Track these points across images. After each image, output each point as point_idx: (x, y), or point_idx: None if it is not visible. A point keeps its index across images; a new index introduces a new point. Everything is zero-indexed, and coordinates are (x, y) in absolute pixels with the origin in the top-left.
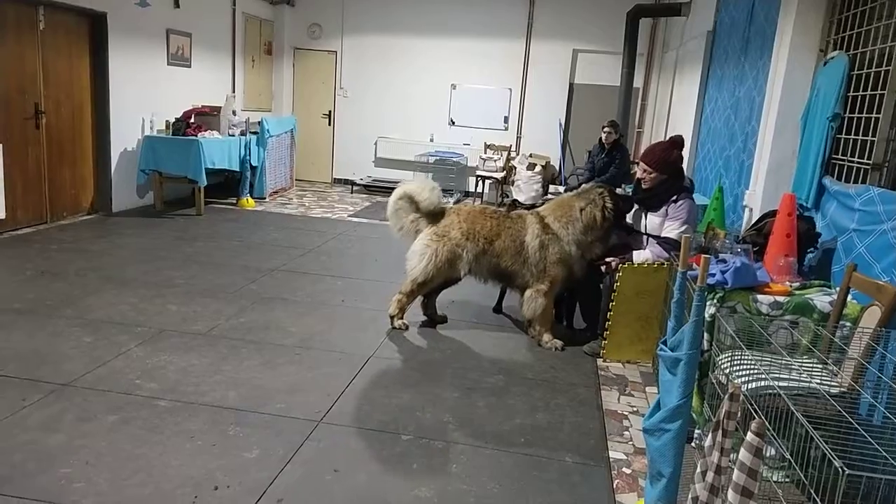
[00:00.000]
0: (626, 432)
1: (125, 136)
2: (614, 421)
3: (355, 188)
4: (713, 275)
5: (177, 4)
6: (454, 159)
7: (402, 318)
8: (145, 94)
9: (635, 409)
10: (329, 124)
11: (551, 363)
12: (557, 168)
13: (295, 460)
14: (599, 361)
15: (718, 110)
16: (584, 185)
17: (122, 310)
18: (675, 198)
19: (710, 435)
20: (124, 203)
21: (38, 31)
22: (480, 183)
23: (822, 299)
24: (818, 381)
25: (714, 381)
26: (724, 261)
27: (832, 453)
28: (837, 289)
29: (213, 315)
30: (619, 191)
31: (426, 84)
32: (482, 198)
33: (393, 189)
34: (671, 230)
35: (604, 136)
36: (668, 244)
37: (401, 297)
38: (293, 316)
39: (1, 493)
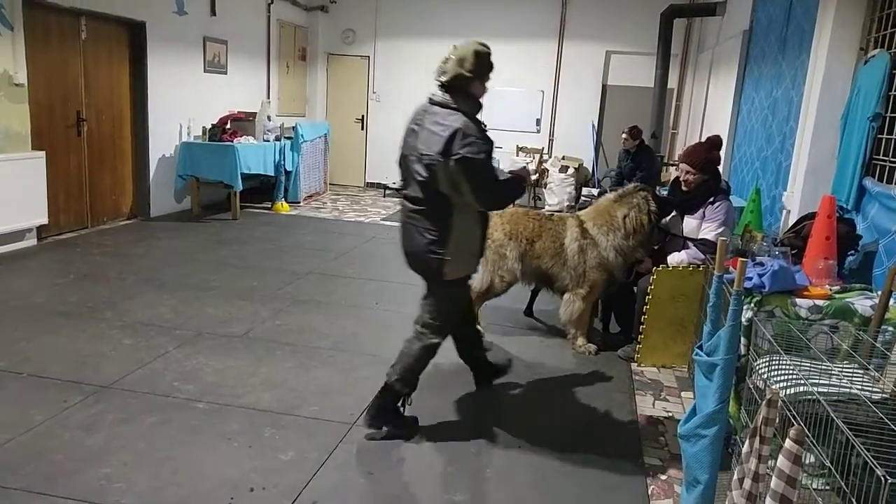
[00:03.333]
0: (662, 438)
1: (163, 142)
2: (649, 426)
3: (388, 192)
4: (750, 278)
5: (213, 12)
6: None
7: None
8: (183, 101)
9: (671, 414)
10: (362, 129)
11: (585, 367)
12: (590, 170)
13: (329, 463)
14: (634, 366)
15: (755, 110)
16: (627, 187)
17: (160, 312)
18: (712, 199)
19: (747, 441)
20: (162, 208)
21: (81, 40)
22: None
23: (863, 303)
24: (859, 386)
25: (751, 386)
26: (761, 264)
27: (874, 461)
28: (879, 292)
29: (249, 318)
30: None
31: None
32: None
33: None
34: (708, 231)
35: (622, 142)
36: (705, 245)
37: None
38: (327, 319)
39: (44, 493)
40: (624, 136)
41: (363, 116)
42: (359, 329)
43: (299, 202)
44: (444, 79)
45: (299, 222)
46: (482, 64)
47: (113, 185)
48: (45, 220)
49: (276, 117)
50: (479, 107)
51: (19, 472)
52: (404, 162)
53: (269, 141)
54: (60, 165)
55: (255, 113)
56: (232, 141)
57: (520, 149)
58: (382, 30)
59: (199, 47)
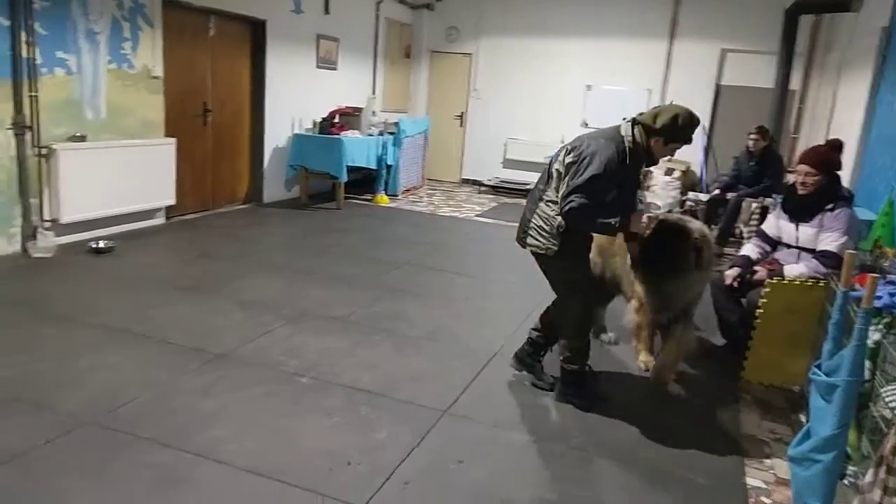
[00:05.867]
0: (768, 460)
1: (277, 133)
2: (754, 447)
3: (482, 189)
4: (880, 297)
5: (327, 11)
6: None
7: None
8: (296, 95)
9: (778, 436)
10: (461, 125)
11: (687, 380)
12: (698, 174)
13: (421, 446)
14: (740, 383)
15: (893, 115)
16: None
17: (269, 292)
18: (830, 206)
19: (870, 471)
20: (274, 195)
21: (209, 36)
22: None
23: None
24: None
25: (877, 414)
26: (892, 282)
27: None
28: None
29: (348, 302)
30: (768, 201)
31: (560, 85)
32: None
33: (521, 190)
34: (830, 242)
35: (750, 143)
36: (827, 258)
37: None
38: (421, 308)
39: (169, 445)
40: (754, 136)
41: (462, 113)
42: (450, 321)
43: (398, 195)
44: (640, 116)
45: (397, 215)
46: (673, 129)
47: (231, 172)
48: (172, 201)
49: (380, 112)
50: (649, 160)
51: (146, 425)
52: None
53: (372, 135)
54: (187, 152)
55: (362, 108)
56: (339, 134)
57: None
58: (486, 27)
59: (312, 44)
